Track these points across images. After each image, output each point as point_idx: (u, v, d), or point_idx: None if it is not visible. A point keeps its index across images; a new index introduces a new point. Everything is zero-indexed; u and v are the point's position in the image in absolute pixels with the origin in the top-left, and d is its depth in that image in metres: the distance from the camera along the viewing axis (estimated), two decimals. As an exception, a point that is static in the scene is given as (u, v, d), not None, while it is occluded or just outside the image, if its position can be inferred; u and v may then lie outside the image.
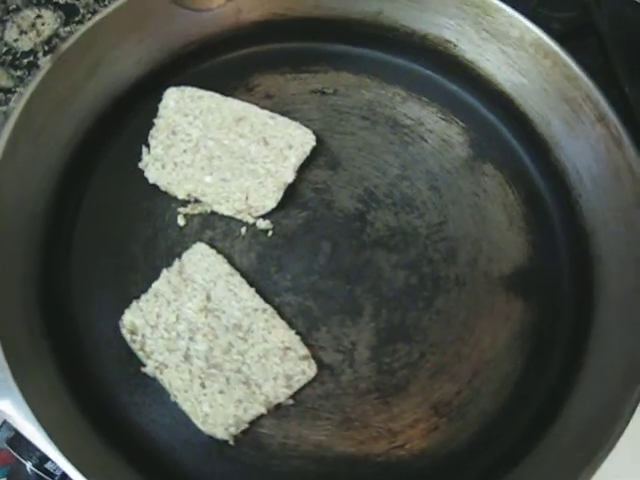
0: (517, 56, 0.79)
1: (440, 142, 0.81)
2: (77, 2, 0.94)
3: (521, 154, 0.81)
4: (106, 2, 0.94)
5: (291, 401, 0.68)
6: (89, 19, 0.83)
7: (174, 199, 0.75)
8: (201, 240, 0.74)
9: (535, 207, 0.79)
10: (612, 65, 0.87)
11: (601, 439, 0.61)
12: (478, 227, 0.77)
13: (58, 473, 0.70)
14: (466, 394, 0.70)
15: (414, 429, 0.69)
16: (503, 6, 0.76)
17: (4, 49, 0.90)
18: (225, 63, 0.85)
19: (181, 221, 0.75)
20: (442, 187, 0.79)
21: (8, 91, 0.88)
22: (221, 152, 0.75)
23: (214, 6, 0.79)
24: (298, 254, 0.75)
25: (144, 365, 0.68)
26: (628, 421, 0.61)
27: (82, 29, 0.73)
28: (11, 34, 0.91)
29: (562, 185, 0.78)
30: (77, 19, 0.92)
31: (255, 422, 0.67)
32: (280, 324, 0.69)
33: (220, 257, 0.72)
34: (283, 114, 0.78)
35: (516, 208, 0.79)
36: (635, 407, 0.62)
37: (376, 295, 0.73)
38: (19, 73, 0.89)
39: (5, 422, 0.72)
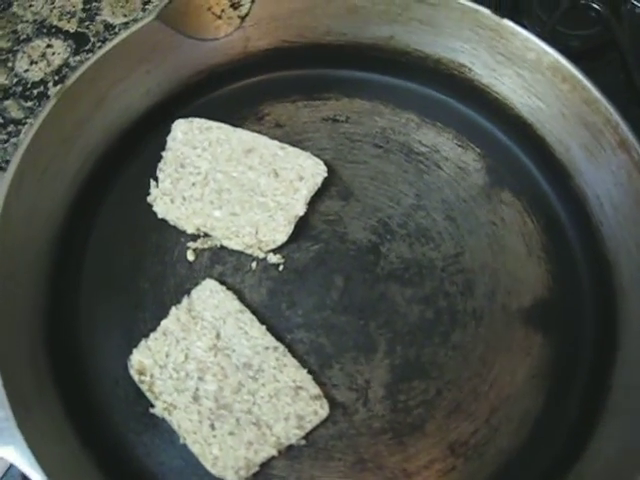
0: (534, 80, 0.76)
1: (456, 169, 0.79)
2: (87, 31, 0.93)
3: (540, 181, 0.79)
4: (116, 30, 0.93)
5: (303, 442, 0.67)
6: (99, 48, 0.83)
7: (183, 233, 0.74)
8: (211, 275, 0.73)
9: (555, 236, 0.77)
10: (634, 82, 0.84)
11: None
12: (496, 258, 0.75)
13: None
14: (483, 433, 0.68)
15: (430, 470, 0.67)
16: (519, 29, 0.74)
17: (14, 80, 0.90)
18: (234, 92, 0.83)
19: (190, 256, 0.74)
20: (458, 217, 0.77)
21: (19, 122, 0.87)
22: (230, 185, 0.74)
23: (221, 35, 0.78)
24: (310, 289, 0.73)
25: (153, 405, 0.67)
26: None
27: (88, 62, 0.72)
28: (21, 64, 0.91)
29: (582, 213, 0.76)
30: (87, 48, 0.92)
31: (266, 464, 0.66)
32: (291, 362, 0.68)
33: (230, 294, 0.70)
34: (294, 143, 0.77)
35: (535, 237, 0.76)
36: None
37: (390, 330, 0.71)
38: (29, 104, 0.88)
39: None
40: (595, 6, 0.89)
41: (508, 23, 0.74)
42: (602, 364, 0.70)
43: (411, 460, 0.67)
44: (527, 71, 0.76)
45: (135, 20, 0.93)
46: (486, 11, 0.74)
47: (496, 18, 0.74)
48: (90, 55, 0.86)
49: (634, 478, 0.60)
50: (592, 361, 0.72)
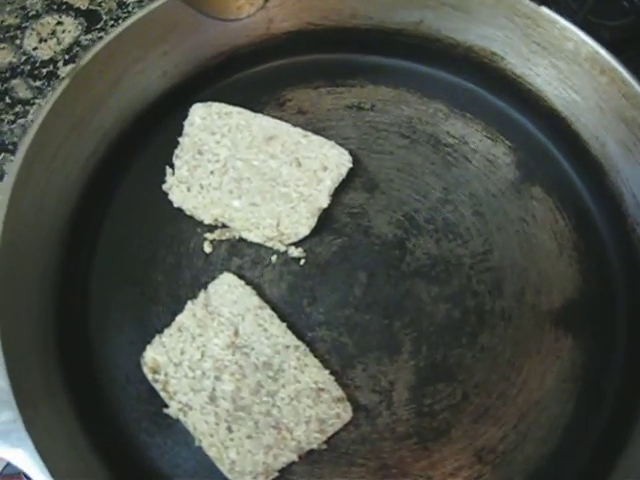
0: (570, 71, 0.73)
1: (485, 163, 0.76)
2: (99, 8, 0.89)
3: (573, 177, 0.76)
4: (130, 8, 0.89)
5: (324, 446, 0.64)
6: (112, 26, 0.79)
7: (200, 224, 0.71)
8: (228, 269, 0.70)
9: (587, 235, 0.73)
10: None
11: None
12: (526, 256, 0.72)
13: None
14: (512, 439, 0.66)
15: (456, 478, 0.64)
16: (557, 17, 0.70)
17: (23, 58, 0.86)
18: (255, 76, 0.80)
19: (207, 248, 0.71)
20: (487, 212, 0.73)
21: (27, 103, 0.84)
22: (250, 174, 0.70)
23: (243, 16, 0.74)
24: (332, 285, 0.70)
25: (166, 405, 0.64)
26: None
27: (102, 42, 0.69)
28: (30, 42, 0.87)
29: (617, 212, 0.73)
30: (99, 26, 0.88)
31: (285, 469, 0.63)
32: (313, 363, 0.65)
33: (249, 288, 0.67)
34: (317, 132, 0.74)
35: (567, 235, 0.73)
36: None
37: (416, 330, 0.69)
38: (38, 84, 0.85)
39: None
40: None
41: (546, 11, 0.70)
42: (635, 370, 0.68)
43: (436, 467, 0.64)
44: (563, 62, 0.73)
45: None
46: (520, -3, 0.70)
47: (533, 5, 0.70)
48: (102, 34, 0.83)
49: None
50: (625, 366, 0.69)
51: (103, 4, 0.89)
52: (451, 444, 0.65)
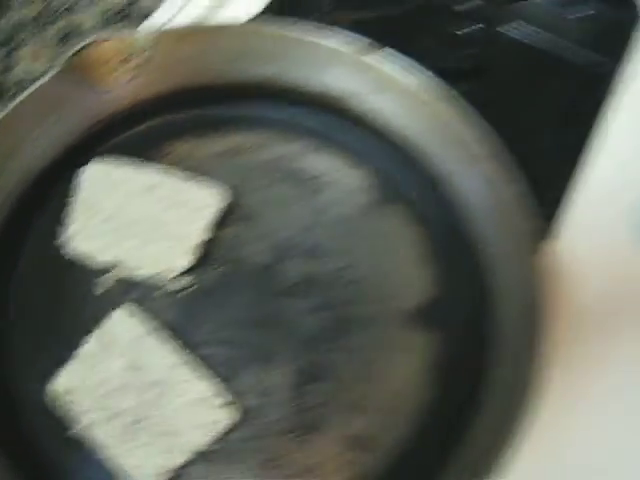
0: (409, 103, 0.83)
1: (348, 189, 0.86)
2: (7, 80, 0.98)
3: (425, 194, 0.85)
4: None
5: (216, 446, 0.73)
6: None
7: (94, 268, 0.81)
8: (124, 302, 0.79)
9: (440, 243, 0.83)
10: (503, 104, 0.92)
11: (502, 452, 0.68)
12: (387, 266, 0.81)
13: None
14: (380, 426, 0.75)
15: (331, 464, 0.74)
16: (384, 60, 0.82)
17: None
18: (138, 134, 0.89)
19: (104, 287, 0.80)
20: (350, 232, 0.83)
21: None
22: (137, 219, 0.81)
23: (119, 85, 0.84)
24: (216, 308, 0.79)
25: (75, 427, 0.73)
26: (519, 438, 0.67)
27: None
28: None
29: (460, 221, 0.83)
30: (10, 94, 0.97)
31: (183, 468, 0.72)
32: (202, 375, 0.74)
33: (142, 317, 0.77)
34: (195, 176, 0.84)
35: (423, 245, 0.83)
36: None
37: (292, 340, 0.78)
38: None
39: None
40: (471, 28, 0.96)
41: (372, 58, 0.82)
42: (485, 353, 0.77)
43: (313, 455, 0.73)
44: (400, 95, 0.83)
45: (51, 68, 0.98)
46: (348, 50, 0.83)
47: (357, 56, 0.83)
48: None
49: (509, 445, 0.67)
50: (477, 352, 0.77)
51: (10, 77, 0.99)
52: (325, 434, 0.74)
